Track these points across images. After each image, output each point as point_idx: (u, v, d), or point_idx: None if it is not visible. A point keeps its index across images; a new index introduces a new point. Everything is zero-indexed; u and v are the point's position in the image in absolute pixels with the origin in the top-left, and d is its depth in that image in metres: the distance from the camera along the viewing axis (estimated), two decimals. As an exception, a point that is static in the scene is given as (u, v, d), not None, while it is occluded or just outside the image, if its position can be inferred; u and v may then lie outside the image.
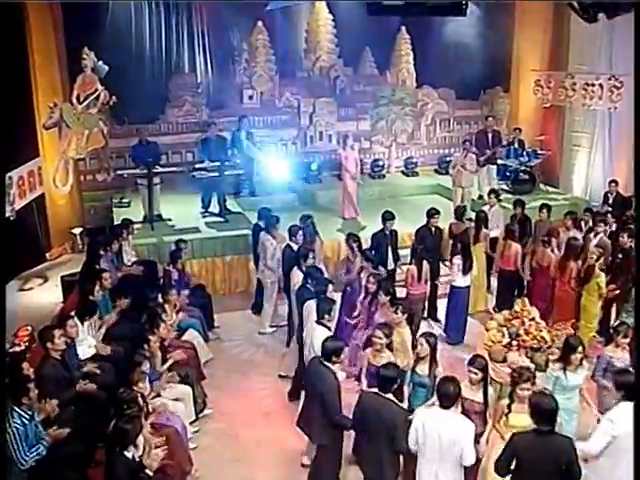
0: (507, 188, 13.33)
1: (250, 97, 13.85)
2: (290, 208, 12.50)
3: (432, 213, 9.41)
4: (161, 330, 7.00)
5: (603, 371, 6.31)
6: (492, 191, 10.75)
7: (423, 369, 5.98)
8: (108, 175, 11.39)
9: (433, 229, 9.44)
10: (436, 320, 9.60)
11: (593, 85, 12.45)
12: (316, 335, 6.21)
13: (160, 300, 7.94)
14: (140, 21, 12.84)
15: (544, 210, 10.08)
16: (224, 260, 10.78)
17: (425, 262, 8.53)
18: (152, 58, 13.09)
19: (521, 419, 5.19)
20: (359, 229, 11.20)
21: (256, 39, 13.62)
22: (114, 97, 11.18)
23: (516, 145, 13.51)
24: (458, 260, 8.75)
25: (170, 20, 13.16)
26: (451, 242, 9.68)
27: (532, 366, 6.28)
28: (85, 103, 10.61)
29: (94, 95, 10.74)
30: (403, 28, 14.56)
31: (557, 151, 14.01)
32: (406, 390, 6.05)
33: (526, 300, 7.83)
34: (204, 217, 11.69)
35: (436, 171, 15.11)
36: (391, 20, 14.09)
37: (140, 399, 5.82)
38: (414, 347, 6.17)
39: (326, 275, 8.76)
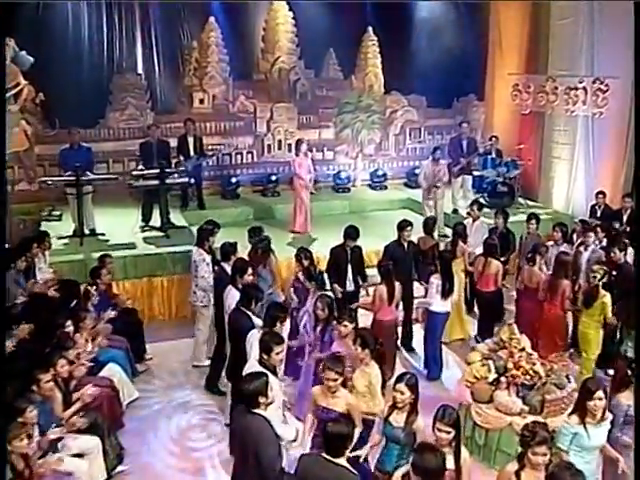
0: (484, 201, 12.18)
1: (201, 101, 12.59)
2: (243, 223, 11.27)
3: (403, 225, 8.15)
4: (59, 366, 5.53)
5: (621, 425, 4.84)
6: (475, 202, 9.62)
7: (399, 420, 4.66)
8: (31, 184, 9.88)
9: (405, 244, 8.16)
10: (410, 350, 8.30)
11: (576, 89, 11.46)
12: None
13: (70, 327, 6.47)
14: (77, 11, 11.52)
15: (532, 221, 8.90)
16: (163, 280, 9.35)
17: (397, 283, 7.23)
18: (91, 54, 11.74)
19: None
20: (309, 243, 10.06)
21: (208, 37, 12.39)
22: (41, 94, 9.75)
23: (493, 155, 12.41)
24: (436, 280, 7.40)
25: (112, 13, 11.85)
26: (427, 259, 8.49)
27: (550, 423, 4.86)
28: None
29: (14, 90, 9.26)
30: (370, 29, 13.50)
31: (536, 162, 12.95)
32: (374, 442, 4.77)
33: (515, 327, 6.58)
34: (144, 232, 10.27)
35: (406, 184, 13.95)
36: (357, 20, 13.01)
37: (20, 460, 4.38)
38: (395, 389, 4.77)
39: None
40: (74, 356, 6.13)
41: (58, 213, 10.92)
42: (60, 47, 11.26)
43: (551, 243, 8.63)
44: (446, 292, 7.34)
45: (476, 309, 8.75)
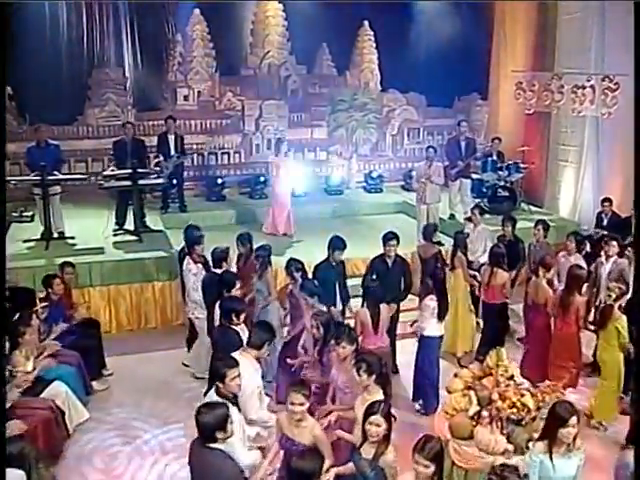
0: (483, 206, 11.45)
1: (185, 97, 12.01)
2: (225, 227, 10.76)
3: (387, 238, 7.23)
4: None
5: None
6: (476, 207, 8.94)
7: (368, 450, 4.06)
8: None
9: (389, 260, 7.26)
10: (394, 372, 7.53)
11: (584, 87, 10.67)
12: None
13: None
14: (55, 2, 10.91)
15: (539, 228, 8.14)
16: (131, 288, 8.70)
17: (384, 305, 6.39)
18: (69, 47, 11.19)
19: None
20: (284, 248, 9.52)
21: (193, 30, 11.81)
22: (9, 88, 9.16)
23: (495, 157, 11.65)
24: (432, 302, 6.56)
25: (92, 3, 11.23)
26: (429, 269, 7.71)
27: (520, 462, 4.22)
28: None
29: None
30: (366, 23, 12.86)
31: (541, 165, 12.18)
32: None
33: (502, 351, 5.82)
34: (116, 235, 9.64)
35: (403, 187, 13.22)
36: (352, 13, 12.30)
37: None
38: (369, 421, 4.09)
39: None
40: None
41: (30, 214, 10.32)
42: (36, 39, 10.72)
43: (563, 254, 7.91)
44: (442, 314, 6.57)
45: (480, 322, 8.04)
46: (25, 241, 9.26)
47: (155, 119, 11.55)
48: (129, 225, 9.82)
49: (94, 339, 7.44)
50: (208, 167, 12.21)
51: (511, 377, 5.66)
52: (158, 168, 9.59)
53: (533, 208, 11.80)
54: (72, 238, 9.40)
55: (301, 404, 4.14)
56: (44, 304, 6.72)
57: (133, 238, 9.48)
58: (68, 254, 8.77)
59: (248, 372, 4.53)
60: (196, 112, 12.06)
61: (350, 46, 13.06)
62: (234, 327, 5.28)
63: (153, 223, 10.16)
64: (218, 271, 6.68)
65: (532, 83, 11.82)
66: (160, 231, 9.94)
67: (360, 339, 6.21)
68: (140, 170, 9.15)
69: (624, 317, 6.09)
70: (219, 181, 11.89)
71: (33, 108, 10.74)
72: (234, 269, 7.29)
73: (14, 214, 10.33)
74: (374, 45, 13.02)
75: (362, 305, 6.56)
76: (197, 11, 11.68)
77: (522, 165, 11.46)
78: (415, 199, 10.50)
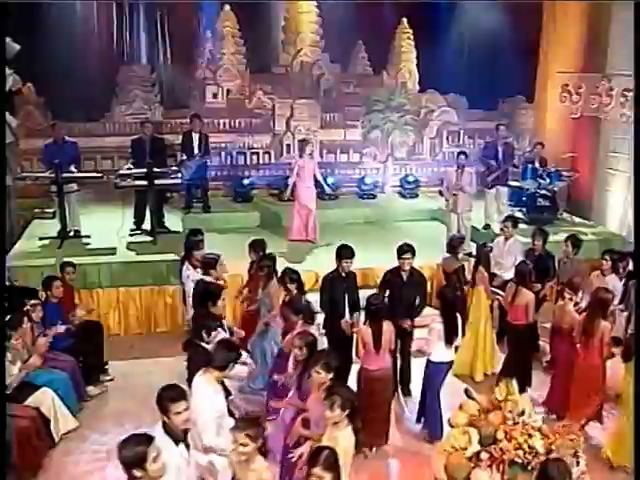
0: (522, 216, 10.75)
1: (214, 95, 11.73)
2: (248, 229, 10.37)
3: (403, 251, 6.67)
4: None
5: None
6: (508, 218, 8.27)
7: None
8: (13, 180, 9.20)
9: (405, 273, 6.72)
10: (407, 394, 7.01)
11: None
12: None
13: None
14: (85, -1, 10.85)
15: (568, 243, 7.47)
16: (142, 291, 8.47)
17: (387, 322, 5.90)
18: (98, 43, 11.11)
19: None
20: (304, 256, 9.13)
21: (223, 26, 11.47)
22: (30, 84, 9.06)
23: (537, 164, 10.91)
24: (438, 325, 6.02)
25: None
26: (450, 285, 7.22)
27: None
28: (-19, 88, 8.49)
29: (-4, 79, 8.59)
30: (404, 20, 12.27)
31: (589, 174, 11.34)
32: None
33: (513, 383, 5.22)
34: (132, 235, 9.43)
35: (440, 193, 12.51)
36: (390, 10, 11.77)
37: None
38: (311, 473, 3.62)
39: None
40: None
41: (52, 211, 10.18)
42: (66, 36, 10.67)
43: (597, 273, 7.20)
44: (451, 338, 6.01)
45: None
46: (41, 238, 9.17)
47: (183, 117, 11.27)
48: (147, 225, 9.64)
49: (94, 343, 7.22)
50: (236, 167, 11.88)
51: (522, 413, 5.08)
52: (175, 168, 9.28)
53: (577, 219, 11.01)
54: (88, 237, 9.24)
55: (244, 445, 3.66)
56: (34, 302, 6.47)
57: (148, 239, 9.27)
58: (80, 254, 8.62)
59: (207, 396, 4.17)
60: (225, 110, 11.77)
61: (387, 44, 12.52)
62: (204, 345, 4.87)
63: (172, 224, 9.92)
64: (208, 278, 6.33)
65: (579, 85, 11.02)
66: (178, 232, 9.67)
67: (361, 359, 5.92)
68: (156, 169, 8.89)
69: None
70: (245, 182, 11.57)
71: (61, 104, 10.66)
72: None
73: (36, 210, 10.31)
74: (413, 43, 12.48)
75: (364, 322, 6.04)
76: (227, 7, 11.38)
77: (565, 173, 10.68)
78: (446, 208, 9.96)
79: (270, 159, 12.12)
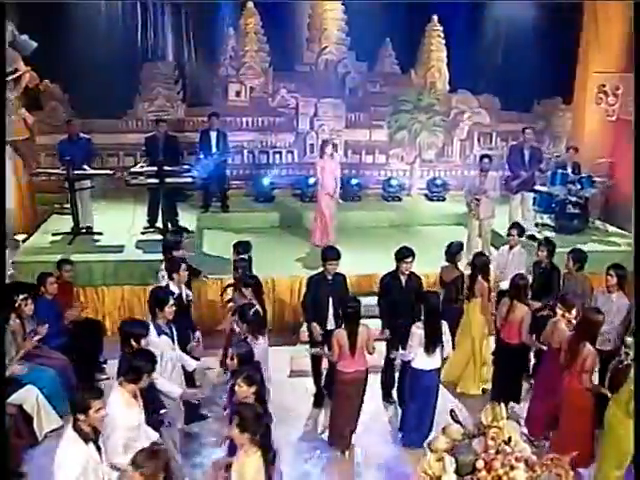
0: (550, 223, 10.23)
1: (237, 93, 11.58)
2: (267, 230, 10.42)
3: (403, 255, 6.52)
4: None
5: None
6: (514, 225, 7.79)
7: None
8: (31, 176, 9.29)
9: (404, 278, 6.58)
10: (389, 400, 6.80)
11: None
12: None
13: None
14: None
15: (570, 257, 6.87)
16: (146, 290, 8.32)
17: (363, 325, 5.81)
18: (123, 40, 10.99)
19: None
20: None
21: (246, 23, 11.31)
22: (47, 81, 9.11)
23: (569, 169, 10.32)
24: (418, 330, 5.82)
25: (147, -2, 11.06)
26: (450, 295, 7.01)
27: None
28: (-4, 84, 8.57)
29: (12, 75, 8.66)
30: (435, 17, 11.80)
31: (627, 180, 10.65)
32: None
33: (501, 408, 4.84)
34: (144, 234, 9.37)
35: (468, 197, 12.08)
36: (419, 7, 11.31)
37: None
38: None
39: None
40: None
41: (69, 206, 10.31)
42: (90, 32, 10.64)
43: (602, 290, 6.67)
44: (431, 346, 5.74)
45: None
46: (54, 234, 9.22)
47: (205, 115, 11.17)
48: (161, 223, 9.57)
49: (89, 341, 7.16)
50: (259, 166, 11.72)
51: (507, 441, 4.69)
52: (187, 166, 9.17)
53: (612, 228, 10.40)
54: (100, 234, 9.23)
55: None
56: (23, 296, 6.42)
57: (159, 237, 9.18)
58: (88, 250, 8.65)
59: (117, 408, 4.03)
60: (248, 109, 11.61)
61: (416, 42, 12.07)
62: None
63: (187, 223, 9.81)
64: (171, 284, 6.13)
65: (616, 86, 10.39)
66: (190, 232, 9.58)
67: (338, 362, 5.83)
68: (167, 168, 8.81)
69: None
70: (266, 181, 11.40)
71: (85, 101, 10.72)
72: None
73: (56, 205, 10.40)
74: (443, 42, 11.98)
75: (339, 326, 5.92)
76: (250, 4, 11.21)
77: (597, 179, 10.08)
78: (467, 213, 9.53)
79: (293, 158, 11.91)
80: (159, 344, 5.05)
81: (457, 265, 7.14)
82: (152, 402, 4.56)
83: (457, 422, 5.07)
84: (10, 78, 8.71)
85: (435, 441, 4.91)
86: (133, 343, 4.78)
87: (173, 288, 6.06)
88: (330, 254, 6.49)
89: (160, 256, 7.93)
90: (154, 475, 3.40)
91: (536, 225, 10.17)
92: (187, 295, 6.57)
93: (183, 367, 5.46)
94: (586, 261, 6.85)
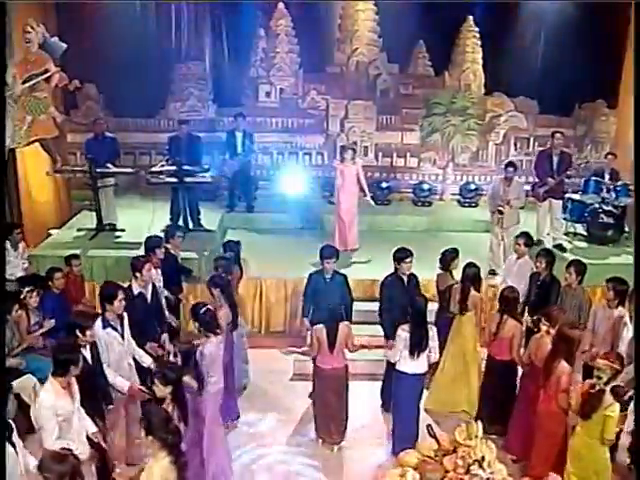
0: (583, 232, 9.78)
1: (267, 94, 11.62)
2: (288, 230, 10.38)
3: (402, 256, 6.52)
4: None
5: None
6: (522, 235, 7.46)
7: None
8: (55, 172, 9.57)
9: (405, 278, 6.59)
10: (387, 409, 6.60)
11: None
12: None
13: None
14: (146, -2, 11.06)
15: (571, 269, 6.52)
16: (159, 288, 8.50)
17: (343, 324, 5.85)
18: (157, 40, 11.21)
19: None
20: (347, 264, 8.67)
21: (276, 25, 11.30)
22: (76, 81, 9.38)
23: (606, 176, 9.83)
24: (404, 332, 5.71)
25: (180, -1, 11.25)
26: (443, 302, 6.92)
27: None
28: (28, 84, 8.87)
29: (43, 76, 8.96)
30: (470, 18, 11.48)
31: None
32: None
33: (477, 426, 4.66)
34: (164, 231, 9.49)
35: (500, 203, 11.70)
36: (454, 7, 11.02)
37: None
38: None
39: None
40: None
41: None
42: (124, 35, 10.87)
43: (602, 304, 6.33)
44: (416, 349, 5.61)
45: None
46: (79, 229, 9.50)
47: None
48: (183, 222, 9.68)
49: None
50: (288, 167, 11.71)
51: (480, 460, 4.50)
52: (207, 166, 9.25)
53: (651, 240, 9.83)
54: (122, 231, 9.44)
55: None
56: (29, 288, 6.61)
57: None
58: (107, 246, 8.86)
59: (47, 398, 4.25)
60: (278, 110, 11.63)
61: (450, 44, 11.78)
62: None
63: (209, 222, 9.89)
64: (134, 286, 6.08)
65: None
66: (210, 231, 9.66)
67: (317, 358, 5.91)
68: (186, 167, 8.92)
69: (616, 406, 4.54)
70: (294, 183, 11.35)
71: (119, 101, 11.02)
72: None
73: (86, 202, 10.71)
74: (479, 43, 11.64)
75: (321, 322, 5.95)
76: (281, 5, 11.21)
77: (632, 188, 9.54)
78: (490, 220, 9.20)
79: (323, 160, 11.85)
80: (103, 337, 5.17)
81: (452, 273, 6.92)
82: (97, 392, 4.67)
83: (433, 437, 4.92)
84: (40, 79, 9.04)
85: (405, 455, 4.80)
86: (78, 334, 4.86)
87: (134, 287, 6.03)
88: (327, 253, 6.57)
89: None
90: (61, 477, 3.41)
91: (567, 234, 9.78)
92: (166, 296, 6.65)
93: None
94: (585, 273, 6.48)
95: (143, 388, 5.06)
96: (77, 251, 8.58)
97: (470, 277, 6.54)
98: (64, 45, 9.25)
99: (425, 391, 6.14)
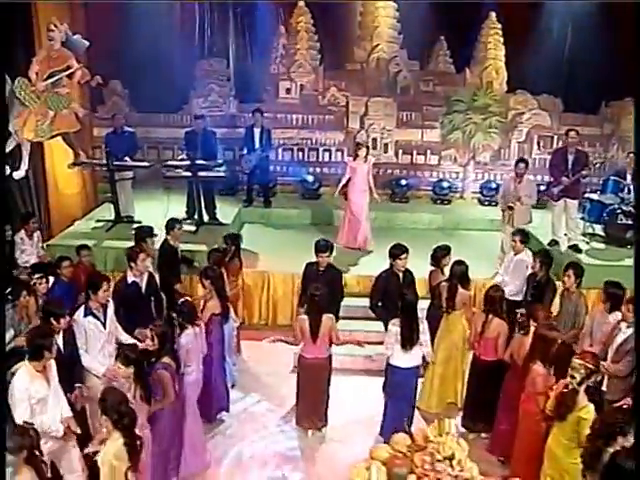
0: (601, 233, 9.57)
1: (287, 90, 11.71)
2: (299, 226, 10.52)
3: (397, 252, 6.68)
4: None
5: None
6: (518, 232, 7.38)
7: None
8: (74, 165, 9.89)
9: (400, 273, 6.72)
10: None
11: None
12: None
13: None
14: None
15: (570, 272, 6.36)
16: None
17: (327, 316, 5.93)
18: (181, 37, 11.46)
19: None
20: (354, 262, 8.82)
21: (297, 21, 11.39)
22: (98, 77, 9.67)
23: (628, 176, 9.58)
24: (395, 327, 5.75)
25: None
26: (435, 299, 6.85)
27: None
28: (50, 81, 9.18)
29: (65, 72, 9.26)
30: (492, 14, 11.32)
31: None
32: None
33: (450, 422, 4.65)
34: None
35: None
36: (476, 3, 10.91)
37: None
38: None
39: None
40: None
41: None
42: (147, 31, 11.12)
43: (600, 309, 6.16)
44: (407, 342, 5.65)
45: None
46: (97, 221, 9.80)
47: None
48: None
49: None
50: (308, 163, 11.83)
51: (450, 457, 4.50)
52: (221, 161, 9.43)
53: (672, 242, 9.54)
54: (139, 222, 9.69)
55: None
56: (38, 275, 6.86)
57: (192, 229, 9.52)
58: (122, 238, 9.12)
59: (20, 381, 4.41)
60: (298, 106, 11.72)
61: (472, 40, 11.64)
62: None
63: (224, 216, 10.06)
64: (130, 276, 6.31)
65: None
66: (224, 225, 9.83)
67: (302, 347, 6.03)
68: (199, 162, 9.11)
69: (591, 407, 4.45)
70: (310, 178, 11.48)
71: (144, 97, 11.29)
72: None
73: (109, 194, 11.02)
74: (501, 39, 11.48)
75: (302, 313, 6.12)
76: (301, 3, 11.29)
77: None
78: (501, 219, 9.10)
79: (343, 157, 11.89)
80: (83, 324, 5.38)
81: (443, 270, 6.89)
82: (73, 376, 4.86)
83: (407, 433, 4.93)
84: (63, 75, 9.34)
85: (377, 449, 4.82)
86: (53, 321, 5.05)
87: (129, 276, 6.23)
88: (321, 246, 6.75)
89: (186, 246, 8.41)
90: (17, 451, 3.59)
91: (584, 235, 9.58)
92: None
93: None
94: (582, 276, 6.36)
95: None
96: (93, 242, 8.91)
97: (457, 275, 6.47)
98: (86, 42, 9.53)
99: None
